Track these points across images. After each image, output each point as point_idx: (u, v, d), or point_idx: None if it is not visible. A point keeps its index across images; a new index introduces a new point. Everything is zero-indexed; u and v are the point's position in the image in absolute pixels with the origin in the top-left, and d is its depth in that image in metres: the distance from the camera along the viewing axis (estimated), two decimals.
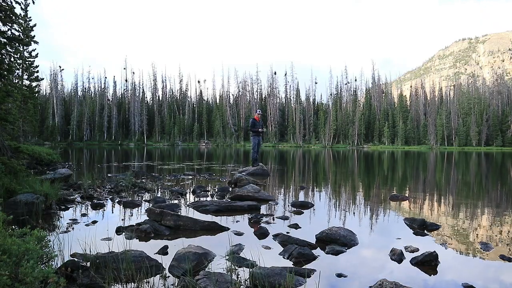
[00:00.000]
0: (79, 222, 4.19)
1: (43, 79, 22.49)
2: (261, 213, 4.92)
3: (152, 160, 19.11)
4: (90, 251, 2.86)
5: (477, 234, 4.01)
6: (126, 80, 79.34)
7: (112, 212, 4.92)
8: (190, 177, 9.61)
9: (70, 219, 4.33)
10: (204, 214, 4.81)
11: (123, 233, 3.69)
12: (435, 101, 79.63)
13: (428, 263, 2.90)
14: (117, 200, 5.68)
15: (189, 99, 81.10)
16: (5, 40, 8.30)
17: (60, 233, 3.68)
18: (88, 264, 2.58)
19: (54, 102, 68.67)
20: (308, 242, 3.41)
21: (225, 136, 74.25)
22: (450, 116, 72.41)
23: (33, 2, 9.31)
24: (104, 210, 5.01)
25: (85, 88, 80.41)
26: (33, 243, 2.07)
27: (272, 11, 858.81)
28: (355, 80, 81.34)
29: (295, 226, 4.15)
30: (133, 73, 79.26)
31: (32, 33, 19.24)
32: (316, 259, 3.04)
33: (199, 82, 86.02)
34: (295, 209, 5.25)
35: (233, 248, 3.16)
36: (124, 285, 2.40)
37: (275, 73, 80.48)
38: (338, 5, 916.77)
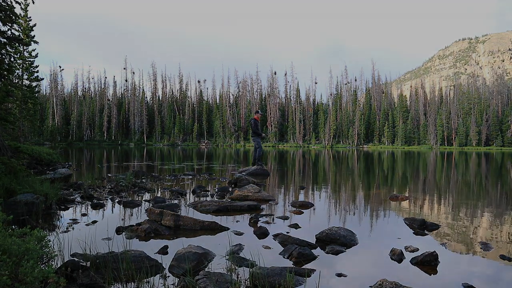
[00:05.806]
0: (79, 222, 4.19)
1: (43, 79, 22.49)
2: (261, 213, 4.92)
3: (152, 160, 19.11)
4: (90, 251, 2.86)
5: (477, 234, 4.01)
6: (126, 80, 79.40)
7: (112, 212, 4.92)
8: (190, 177, 9.61)
9: (70, 219, 4.33)
10: (204, 214, 4.81)
11: (123, 233, 3.69)
12: (435, 101, 79.62)
13: (428, 263, 2.90)
14: (117, 200, 5.68)
15: (189, 99, 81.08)
16: (5, 40, 8.30)
17: (60, 233, 3.68)
18: (88, 264, 2.58)
19: (54, 102, 68.72)
20: (308, 242, 3.41)
21: (225, 136, 74.27)
22: (450, 116, 72.41)
23: (33, 2, 9.31)
24: (104, 210, 5.01)
25: (85, 88, 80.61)
26: (33, 243, 2.07)
27: (272, 11, 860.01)
28: (355, 80, 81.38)
29: (295, 226, 4.15)
30: (133, 73, 79.36)
31: (32, 33, 19.27)
32: (316, 259, 3.04)
33: (199, 82, 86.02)
34: (295, 209, 5.25)
35: (233, 248, 3.16)
36: (124, 285, 2.40)
37: (275, 73, 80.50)
38: (337, 4, 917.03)
